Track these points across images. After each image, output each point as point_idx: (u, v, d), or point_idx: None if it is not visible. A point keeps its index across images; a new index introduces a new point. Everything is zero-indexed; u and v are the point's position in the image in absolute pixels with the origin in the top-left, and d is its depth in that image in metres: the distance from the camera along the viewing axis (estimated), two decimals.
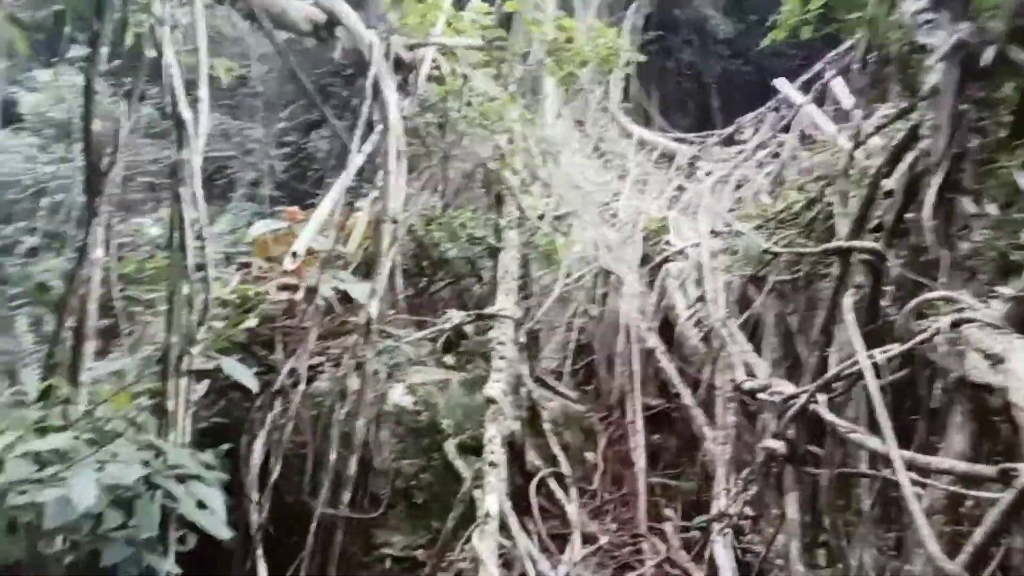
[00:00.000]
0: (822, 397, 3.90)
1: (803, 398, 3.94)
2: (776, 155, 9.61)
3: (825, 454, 4.09)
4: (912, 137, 4.14)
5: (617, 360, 6.89)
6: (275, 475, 4.50)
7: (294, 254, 4.21)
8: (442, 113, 6.46)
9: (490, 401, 4.71)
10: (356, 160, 5.26)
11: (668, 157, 12.96)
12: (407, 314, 6.28)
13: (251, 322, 4.67)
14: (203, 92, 3.50)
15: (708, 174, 10.48)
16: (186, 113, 3.36)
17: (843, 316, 3.98)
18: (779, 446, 4.10)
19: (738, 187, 9.67)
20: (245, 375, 4.20)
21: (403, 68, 6.08)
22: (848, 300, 4.02)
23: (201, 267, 3.32)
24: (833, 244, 4.49)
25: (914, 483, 3.12)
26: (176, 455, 2.85)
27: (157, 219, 8.33)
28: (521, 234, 6.74)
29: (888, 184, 4.09)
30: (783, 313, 6.12)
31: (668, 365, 6.54)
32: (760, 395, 4.59)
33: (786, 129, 9.83)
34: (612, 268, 7.62)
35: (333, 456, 4.47)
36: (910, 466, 3.13)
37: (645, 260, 8.20)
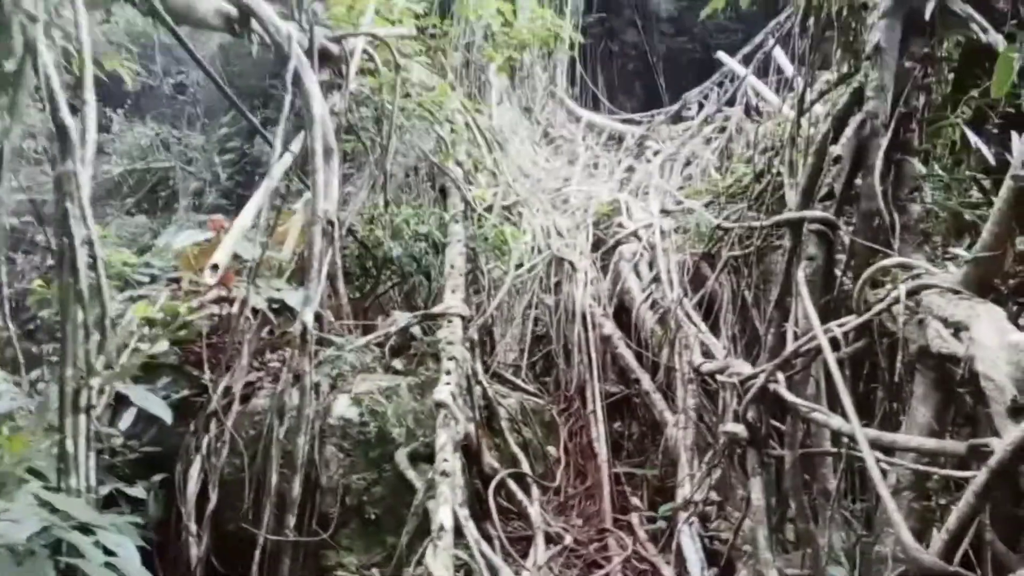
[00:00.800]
0: (781, 376, 3.70)
1: (761, 378, 3.74)
2: (723, 129, 9.45)
3: (787, 435, 3.90)
4: (857, 100, 3.94)
5: (574, 349, 6.66)
6: (213, 503, 4.17)
7: (214, 266, 3.87)
8: (377, 106, 6.13)
9: (440, 406, 4.43)
10: (285, 160, 4.92)
11: (617, 139, 12.75)
12: (353, 319, 5.96)
13: (161, 344, 4.31)
14: (89, 96, 3.14)
15: (656, 153, 10.29)
16: (68, 120, 3.00)
17: (798, 289, 3.78)
18: (740, 430, 3.90)
19: (687, 164, 9.50)
20: (156, 405, 3.87)
21: (331, 61, 5.74)
22: (801, 273, 3.82)
23: (97, 290, 2.97)
24: (783, 215, 4.29)
25: (880, 462, 2.93)
26: (68, 504, 2.53)
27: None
28: (467, 227, 6.47)
29: (836, 150, 3.89)
30: (738, 289, 5.94)
31: (625, 351, 6.33)
32: (718, 377, 4.38)
33: (731, 103, 9.67)
34: (564, 255, 7.37)
35: (274, 478, 4.15)
36: (875, 444, 2.93)
37: (598, 245, 7.97)
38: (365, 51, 6.23)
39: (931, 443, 2.73)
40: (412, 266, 6.24)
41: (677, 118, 11.70)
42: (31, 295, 5.42)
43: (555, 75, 15.35)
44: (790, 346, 3.81)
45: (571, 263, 7.29)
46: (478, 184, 7.57)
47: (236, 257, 4.87)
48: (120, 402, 4.52)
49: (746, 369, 4.07)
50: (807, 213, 3.92)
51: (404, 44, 7.09)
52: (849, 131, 3.88)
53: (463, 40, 11.25)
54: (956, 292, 2.83)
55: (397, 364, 5.38)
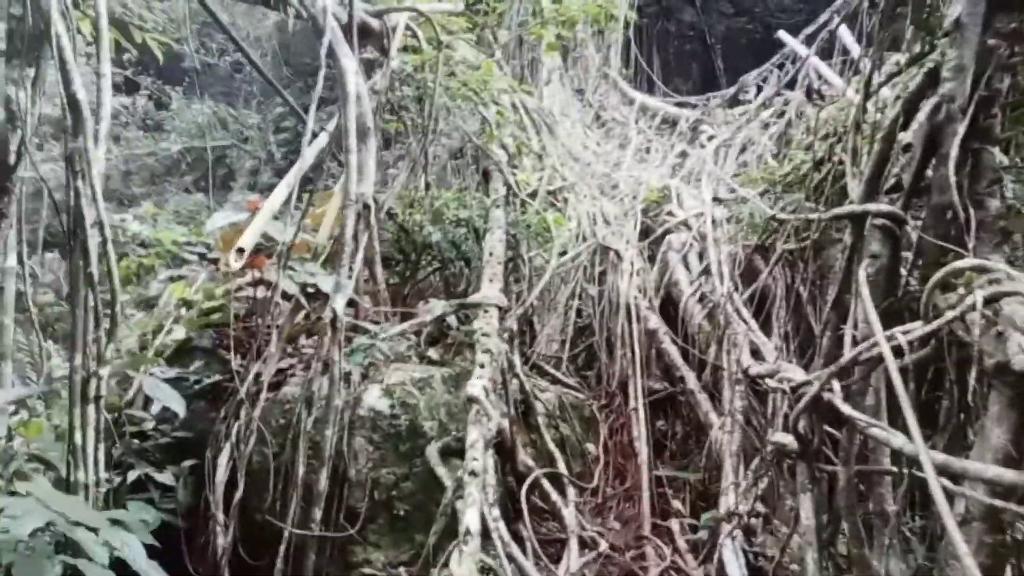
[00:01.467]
0: (837, 384, 3.38)
1: (815, 386, 3.42)
2: (781, 114, 8.95)
3: (842, 449, 3.58)
4: (931, 82, 3.54)
5: (617, 343, 6.38)
6: (239, 493, 4.06)
7: (240, 250, 3.73)
8: (419, 85, 5.91)
9: (472, 401, 4.22)
10: (319, 140, 4.75)
11: (671, 123, 12.32)
12: (391, 306, 5.80)
13: (179, 332, 4.21)
14: (105, 68, 2.99)
15: (711, 138, 9.85)
16: (80, 93, 2.85)
17: (858, 290, 3.44)
18: (789, 441, 3.59)
19: (742, 150, 9.05)
20: (169, 396, 3.75)
21: (372, 37, 5.54)
22: (863, 272, 3.47)
23: (108, 274, 2.84)
24: (845, 208, 3.92)
25: (947, 491, 2.61)
26: (66, 504, 2.40)
27: (137, 215, 7.88)
28: (509, 212, 6.23)
29: (906, 137, 3.51)
30: (792, 285, 5.57)
31: (671, 346, 6.02)
32: (768, 381, 4.07)
33: (791, 86, 9.16)
34: (610, 244, 7.07)
35: (301, 470, 4.02)
36: (943, 471, 2.61)
37: (646, 233, 7.65)
38: (408, 27, 6.01)
39: (1010, 475, 2.39)
40: (452, 252, 6.04)
41: (734, 102, 11.20)
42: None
43: (608, 56, 14.92)
44: (848, 352, 3.48)
45: (617, 252, 6.99)
46: (523, 168, 7.31)
47: (270, 239, 4.74)
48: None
49: (799, 375, 3.74)
50: (871, 206, 3.55)
51: (450, 22, 6.85)
52: (921, 116, 3.49)
53: (514, 19, 10.96)
54: None
55: (432, 354, 5.20)
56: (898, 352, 3.04)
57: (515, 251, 6.00)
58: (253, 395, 4.37)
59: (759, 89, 10.53)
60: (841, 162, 5.43)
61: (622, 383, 6.28)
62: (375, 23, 5.40)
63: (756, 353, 5.20)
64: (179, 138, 15.69)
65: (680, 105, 12.42)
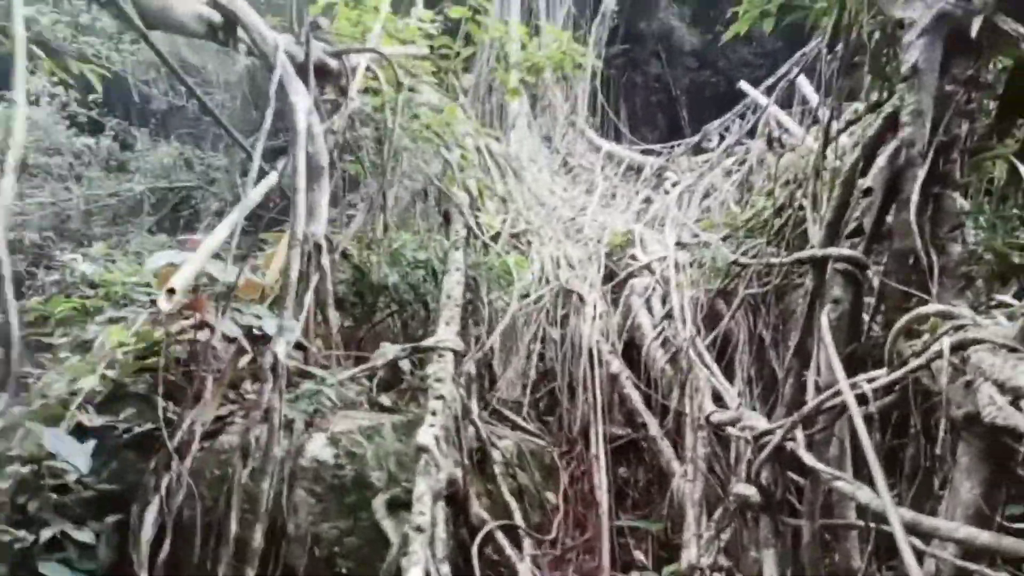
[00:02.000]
0: (800, 434, 3.19)
1: (778, 435, 3.23)
2: (743, 162, 8.97)
3: (807, 501, 3.38)
4: (890, 127, 3.46)
5: (579, 387, 6.17)
6: (166, 550, 3.72)
7: (171, 291, 3.47)
8: (379, 126, 5.76)
9: (421, 450, 3.97)
10: (269, 179, 4.54)
11: (636, 169, 12.35)
12: (345, 350, 5.54)
13: (89, 380, 3.92)
14: (19, 95, 2.75)
15: (675, 185, 9.84)
16: None
17: (820, 336, 3.29)
18: (752, 493, 3.39)
19: (705, 196, 9.03)
20: (72, 450, 3.44)
21: (331, 77, 5.38)
22: (825, 317, 3.33)
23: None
24: (806, 252, 3.80)
25: (916, 550, 2.42)
26: None
27: (84, 255, 7.55)
28: (469, 255, 6.04)
29: (866, 182, 3.41)
30: (755, 330, 5.43)
31: (633, 391, 5.83)
32: (730, 429, 3.87)
33: (752, 134, 9.20)
34: (573, 287, 6.91)
35: (234, 526, 3.70)
36: (912, 529, 2.42)
37: (610, 277, 7.51)
38: (369, 69, 5.89)
39: (984, 536, 2.20)
40: (410, 294, 5.82)
41: (698, 149, 11.26)
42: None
43: (576, 104, 15.03)
44: (811, 400, 3.31)
45: (579, 295, 6.82)
46: (486, 211, 7.16)
47: (214, 280, 4.48)
48: (80, 433, 4.13)
49: (761, 423, 3.56)
50: (832, 250, 3.43)
51: (415, 65, 6.76)
52: (881, 160, 3.40)
53: (482, 65, 10.95)
54: (1013, 350, 2.32)
55: (385, 400, 4.94)
56: (862, 400, 2.88)
57: (475, 293, 5.80)
58: (186, 444, 4.06)
59: (722, 138, 10.60)
60: (802, 207, 5.36)
61: (584, 429, 6.04)
62: (333, 63, 5.26)
63: (719, 399, 5.03)
64: (143, 179, 15.37)
65: (645, 152, 12.48)
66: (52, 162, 14.56)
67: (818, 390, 3.53)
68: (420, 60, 6.86)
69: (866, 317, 3.50)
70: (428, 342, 4.81)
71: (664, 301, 6.60)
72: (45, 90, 13.35)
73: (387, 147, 5.72)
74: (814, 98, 7.17)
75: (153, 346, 4.65)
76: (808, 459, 3.08)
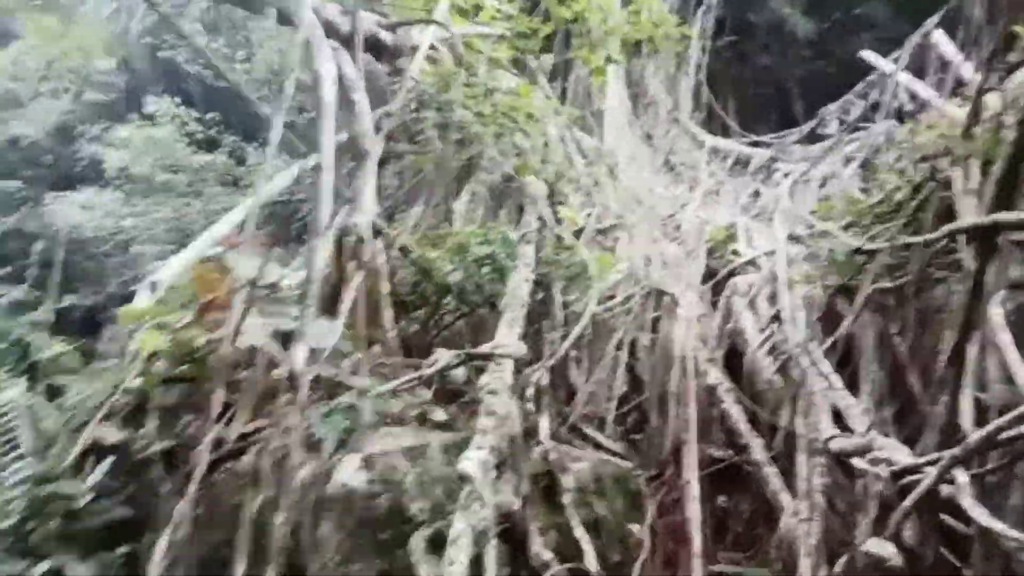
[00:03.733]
0: (962, 475, 2.17)
1: (930, 475, 2.22)
2: (868, 145, 7.66)
3: (972, 566, 2.33)
4: None
5: (672, 401, 5.20)
6: None
7: (152, 285, 2.89)
8: (441, 107, 5.07)
9: (463, 479, 3.19)
10: (290, 171, 3.93)
11: (744, 164, 11.13)
12: (408, 356, 4.87)
13: (101, 391, 3.38)
14: None
15: (786, 175, 8.61)
16: None
17: (992, 334, 2.25)
18: (891, 554, 2.38)
19: (822, 185, 7.77)
20: None
21: (385, 53, 4.76)
22: (998, 309, 2.28)
23: None
24: (966, 221, 2.73)
25: None
26: None
27: None
28: (543, 249, 5.23)
29: None
30: (886, 334, 4.30)
31: (734, 407, 4.80)
32: (856, 461, 2.84)
33: (876, 113, 7.87)
34: (664, 287, 5.94)
35: (241, 567, 3.05)
36: None
37: (709, 277, 6.47)
38: (435, 48, 5.23)
39: None
40: (476, 294, 5.08)
41: (814, 137, 9.92)
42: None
43: (679, 100, 13.93)
44: (974, 427, 2.28)
45: (672, 296, 5.84)
46: (570, 206, 6.32)
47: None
48: (96, 449, 3.65)
49: (901, 454, 2.54)
50: (1008, 216, 2.38)
51: (491, 49, 6.05)
52: None
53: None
54: None
55: (439, 415, 4.20)
56: None
57: (547, 293, 4.98)
58: (210, 464, 3.48)
59: (841, 123, 9.24)
60: (946, 180, 4.17)
61: (677, 450, 5.06)
62: (387, 37, 4.62)
63: (840, 418, 3.95)
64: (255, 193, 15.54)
65: (754, 145, 11.21)
66: (175, 179, 14.98)
67: (981, 412, 2.48)
68: (497, 42, 6.14)
69: None
70: (484, 348, 4.04)
71: (772, 301, 5.52)
72: (169, 110, 13.68)
73: (454, 133, 5.00)
74: (955, 56, 5.86)
75: (190, 353, 4.14)
76: (977, 512, 2.06)
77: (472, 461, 3.28)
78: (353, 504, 3.41)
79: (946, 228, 2.74)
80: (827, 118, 9.48)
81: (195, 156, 15.07)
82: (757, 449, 4.38)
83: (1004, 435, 1.99)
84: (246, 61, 13.47)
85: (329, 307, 4.17)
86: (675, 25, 6.64)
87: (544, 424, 4.47)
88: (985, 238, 2.48)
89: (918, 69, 7.10)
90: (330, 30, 4.04)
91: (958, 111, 5.43)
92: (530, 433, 4.34)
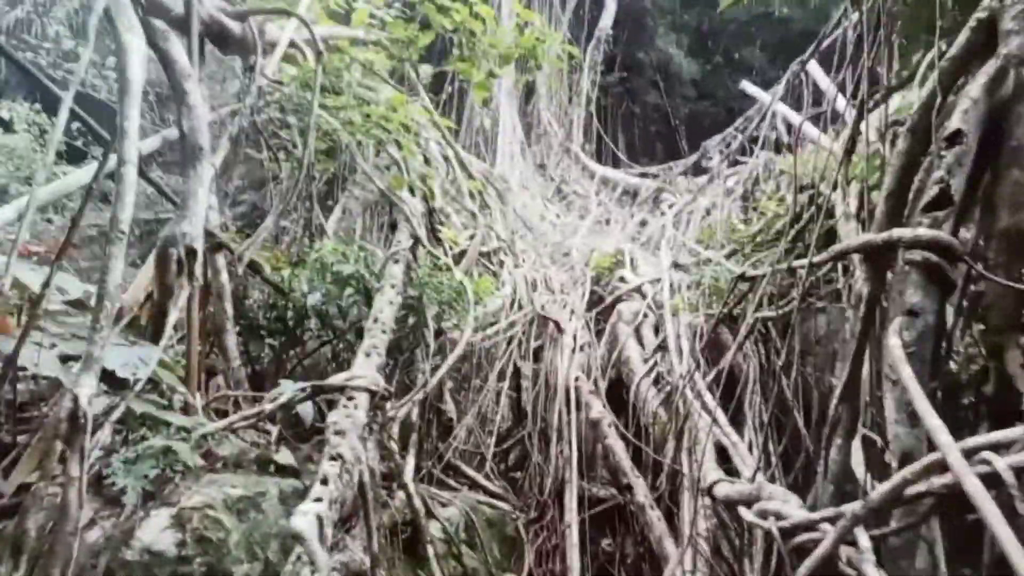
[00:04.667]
0: (863, 538, 1.80)
1: (828, 538, 1.83)
2: (747, 177, 7.63)
3: None
4: (983, 41, 2.13)
5: (554, 436, 4.77)
6: None
7: None
8: (299, 110, 4.48)
9: (296, 539, 2.58)
10: (78, 174, 3.23)
11: (632, 194, 11.09)
12: (257, 389, 4.20)
13: None
14: None
15: (671, 206, 8.52)
16: None
17: (894, 368, 1.91)
18: None
19: (706, 215, 7.68)
20: None
21: (232, 44, 4.15)
22: (896, 339, 1.95)
23: None
24: (858, 239, 2.43)
25: None
26: None
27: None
28: (425, 273, 4.70)
29: (949, 125, 2.06)
30: (768, 363, 4.04)
31: (617, 442, 4.41)
32: (744, 512, 2.46)
33: (755, 142, 7.89)
34: (549, 313, 5.54)
35: None
36: None
37: (596, 304, 6.15)
38: (296, 46, 4.67)
39: None
40: (341, 319, 4.49)
41: (697, 170, 9.96)
42: None
43: (571, 132, 13.90)
44: (870, 475, 1.93)
45: (557, 323, 5.45)
46: (451, 225, 5.85)
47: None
48: None
49: (792, 509, 2.16)
50: (903, 232, 2.07)
51: (371, 57, 5.54)
52: (974, 91, 2.06)
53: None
54: None
55: (285, 457, 3.57)
56: (990, 481, 1.50)
57: (418, 318, 4.45)
58: None
59: (722, 153, 9.28)
60: (828, 211, 3.96)
61: (559, 488, 4.62)
62: (235, 27, 4.02)
63: (725, 454, 3.62)
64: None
65: (642, 176, 11.20)
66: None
67: (878, 453, 2.15)
68: (372, 50, 5.63)
69: (955, 337, 2.12)
70: (335, 379, 3.45)
71: (657, 330, 5.22)
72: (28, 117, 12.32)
73: (309, 136, 4.40)
74: (830, 88, 5.85)
75: None
76: None
77: (306, 516, 2.67)
78: (158, 572, 2.72)
79: (835, 248, 2.45)
80: (710, 151, 9.51)
81: (56, 167, 13.63)
82: (640, 490, 3.98)
83: (911, 490, 1.62)
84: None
85: (156, 331, 3.48)
86: (562, 47, 6.33)
87: (410, 465, 3.92)
88: (879, 258, 2.17)
89: (796, 101, 7.14)
90: (159, 10, 3.42)
91: (834, 142, 5.37)
92: (391, 476, 3.78)
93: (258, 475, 3.35)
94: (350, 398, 3.34)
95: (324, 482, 2.90)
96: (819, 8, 10.86)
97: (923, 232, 1.98)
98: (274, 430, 3.67)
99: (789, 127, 6.81)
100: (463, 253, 5.67)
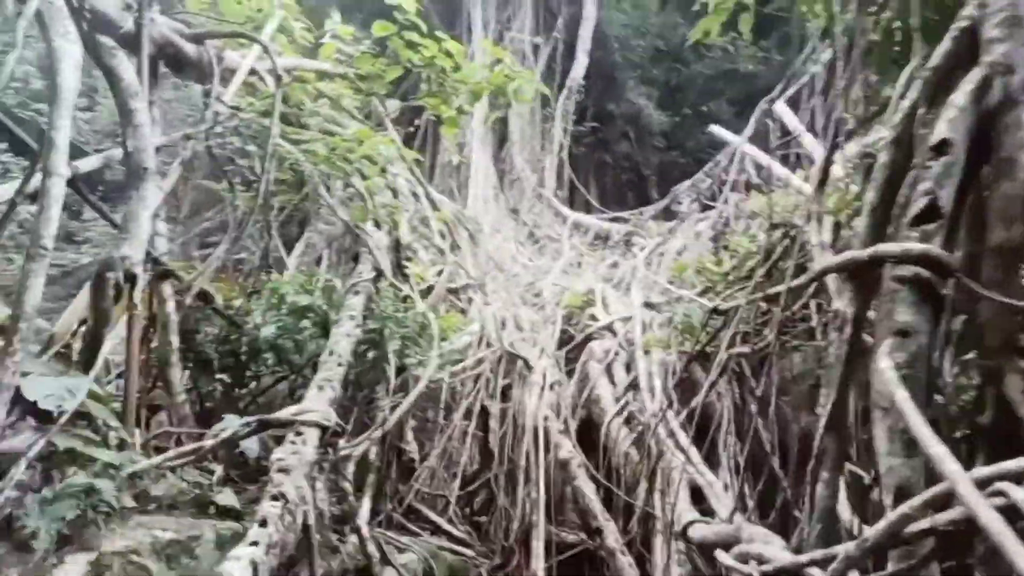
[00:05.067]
0: None
1: None
2: (718, 219, 7.58)
3: None
4: (966, 49, 2.02)
5: (522, 477, 4.49)
6: None
7: None
8: (257, 138, 4.27)
9: None
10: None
11: (604, 238, 11.03)
12: (204, 426, 3.88)
13: None
14: None
15: (643, 248, 8.43)
16: None
17: (884, 393, 1.71)
18: None
19: (678, 256, 7.57)
20: None
21: (189, 68, 3.97)
22: (886, 362, 1.76)
23: None
24: (842, 257, 2.25)
25: None
26: None
27: None
28: (389, 306, 4.45)
29: (935, 135, 1.92)
30: (742, 402, 3.84)
31: (587, 484, 4.14)
32: (722, 556, 2.22)
33: (724, 186, 7.85)
34: (518, 351, 5.31)
35: None
36: None
37: (567, 342, 5.94)
38: (258, 74, 4.50)
39: None
40: (297, 353, 4.21)
41: (668, 215, 9.93)
42: None
43: (544, 177, 13.91)
44: (872, 525, 1.72)
45: (526, 361, 5.21)
46: (418, 261, 5.63)
47: None
48: None
49: (776, 551, 1.92)
50: (889, 247, 1.90)
51: (337, 90, 5.39)
52: (960, 99, 1.92)
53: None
54: None
55: (226, 498, 3.24)
56: (1009, 514, 1.28)
57: (377, 352, 4.19)
58: None
59: (692, 199, 9.28)
60: (801, 246, 3.82)
61: (526, 533, 4.32)
62: (191, 49, 3.83)
63: (698, 494, 3.38)
64: (90, 248, 13.83)
65: (614, 220, 11.16)
66: None
67: (867, 495, 1.94)
68: (339, 83, 5.48)
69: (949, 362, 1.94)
70: (283, 413, 3.17)
71: (628, 368, 5.01)
72: None
73: (268, 163, 4.17)
74: (798, 128, 5.83)
75: None
76: None
77: (239, 561, 2.38)
78: None
79: (818, 268, 2.28)
80: (680, 195, 9.50)
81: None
82: (611, 534, 3.71)
83: (911, 527, 1.41)
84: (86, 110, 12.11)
85: (88, 360, 3.17)
86: (534, 86, 6.24)
87: (365, 507, 3.61)
88: (864, 277, 1.99)
89: (764, 143, 7.15)
90: (107, 26, 3.22)
91: (803, 182, 5.31)
92: (345, 519, 3.47)
93: (194, 517, 3.02)
94: (299, 433, 3.06)
95: (263, 524, 2.61)
96: (783, 64, 11.11)
97: (913, 246, 1.81)
98: (218, 469, 3.36)
99: (759, 169, 6.78)
100: (431, 289, 5.45)
